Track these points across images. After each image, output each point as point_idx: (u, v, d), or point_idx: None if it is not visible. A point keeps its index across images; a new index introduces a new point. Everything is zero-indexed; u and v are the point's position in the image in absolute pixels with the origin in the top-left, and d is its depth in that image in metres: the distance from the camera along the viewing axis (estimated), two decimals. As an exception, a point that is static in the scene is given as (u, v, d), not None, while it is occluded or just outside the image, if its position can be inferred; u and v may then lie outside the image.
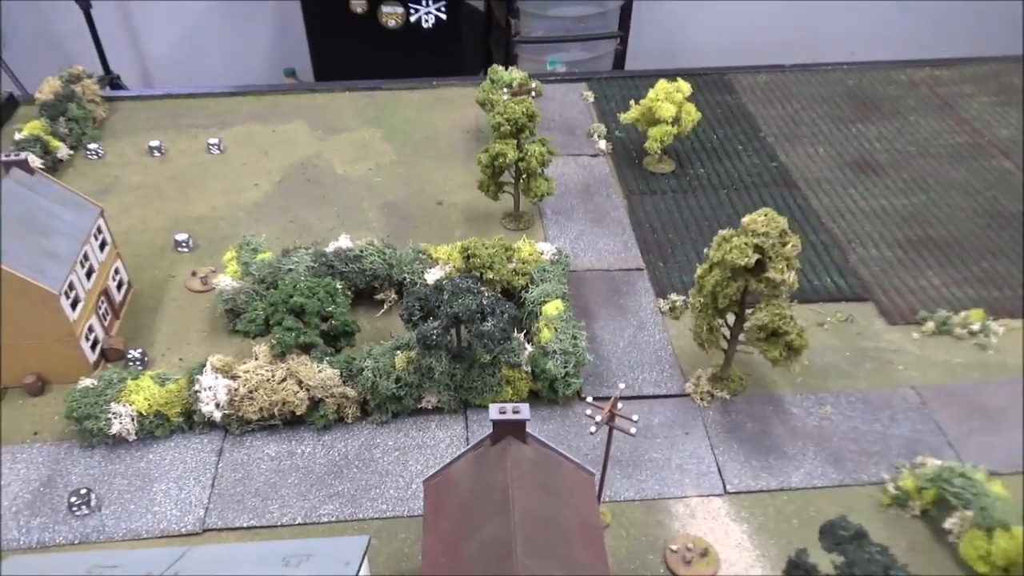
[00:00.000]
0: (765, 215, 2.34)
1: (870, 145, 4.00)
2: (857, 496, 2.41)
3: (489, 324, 2.39)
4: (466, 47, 7.75)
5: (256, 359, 2.57)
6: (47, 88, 3.94)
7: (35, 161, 3.62)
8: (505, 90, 3.60)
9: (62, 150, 3.79)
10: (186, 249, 3.34)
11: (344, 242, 3.04)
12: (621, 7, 6.50)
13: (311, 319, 2.55)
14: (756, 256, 2.30)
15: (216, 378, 2.49)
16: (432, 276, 2.95)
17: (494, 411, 1.79)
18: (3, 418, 2.62)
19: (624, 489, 2.42)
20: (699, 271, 2.53)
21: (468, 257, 2.83)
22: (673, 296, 3.06)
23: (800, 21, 6.96)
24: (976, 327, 2.92)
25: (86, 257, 2.78)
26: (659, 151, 3.67)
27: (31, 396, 2.70)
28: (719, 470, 2.48)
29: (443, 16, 6.63)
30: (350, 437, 2.58)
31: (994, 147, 3.96)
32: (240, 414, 2.51)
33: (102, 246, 2.93)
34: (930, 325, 2.95)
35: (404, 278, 2.98)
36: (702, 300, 2.50)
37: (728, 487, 2.43)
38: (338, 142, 4.07)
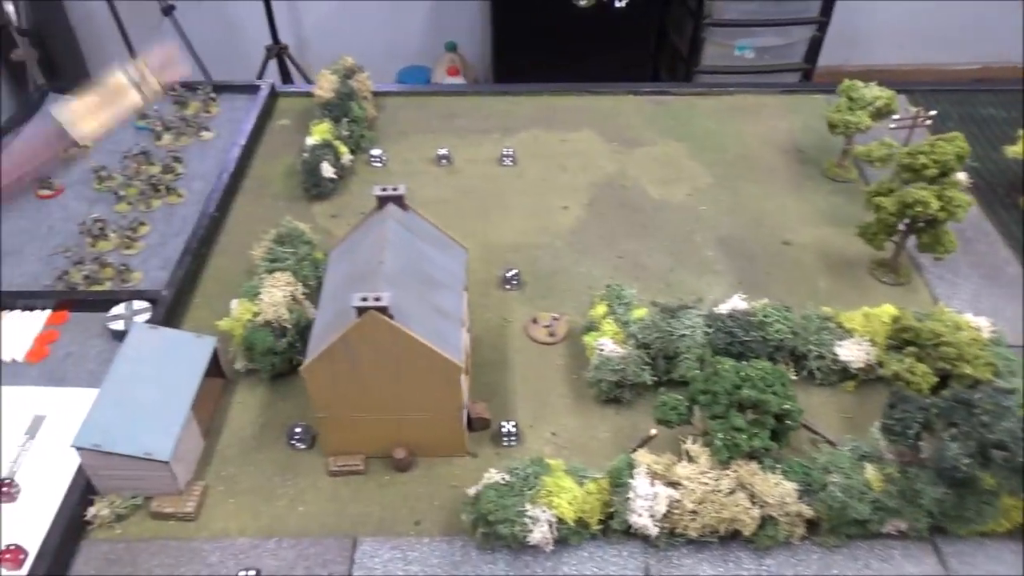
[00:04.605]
0: None
1: None
2: None
3: (1028, 454, 1.87)
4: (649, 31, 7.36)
5: (690, 459, 2.11)
6: (326, 84, 3.52)
7: (328, 171, 3.24)
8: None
9: (345, 156, 3.38)
10: (514, 286, 2.91)
11: (737, 302, 2.55)
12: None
13: (766, 419, 2.07)
14: None
15: (654, 484, 2.05)
16: (845, 352, 2.45)
17: None
18: (376, 499, 2.24)
19: None
20: None
21: (924, 345, 2.30)
22: None
23: None
24: None
25: (460, 311, 2.36)
26: (1059, 195, 3.07)
27: (396, 471, 2.32)
28: None
29: (639, -5, 6.28)
30: (799, 564, 2.10)
31: None
32: (676, 528, 2.07)
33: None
34: None
35: (809, 351, 2.49)
36: None
37: None
38: (639, 158, 3.56)
